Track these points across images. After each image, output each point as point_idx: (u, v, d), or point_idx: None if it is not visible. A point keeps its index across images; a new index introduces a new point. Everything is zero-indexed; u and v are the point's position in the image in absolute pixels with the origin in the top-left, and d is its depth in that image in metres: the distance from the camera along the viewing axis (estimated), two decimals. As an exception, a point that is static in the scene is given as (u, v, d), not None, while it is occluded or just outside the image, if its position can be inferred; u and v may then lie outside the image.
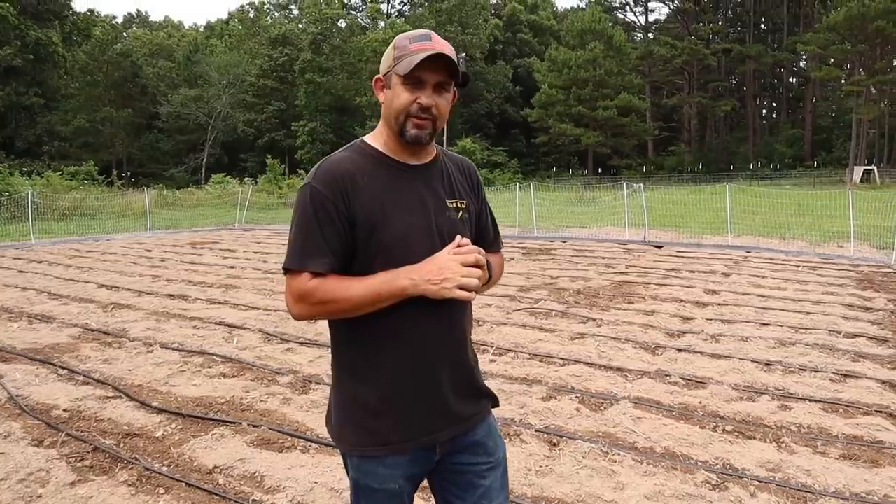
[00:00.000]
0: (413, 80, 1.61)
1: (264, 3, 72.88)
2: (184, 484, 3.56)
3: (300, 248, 1.61)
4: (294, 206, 1.68)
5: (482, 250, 1.64)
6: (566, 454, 3.90)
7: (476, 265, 1.58)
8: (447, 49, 1.63)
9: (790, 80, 70.31)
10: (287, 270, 1.63)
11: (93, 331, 7.14)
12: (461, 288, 1.55)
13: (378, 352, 1.66)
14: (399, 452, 1.68)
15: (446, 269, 1.56)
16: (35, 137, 52.47)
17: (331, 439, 1.81)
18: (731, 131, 67.74)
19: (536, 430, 4.24)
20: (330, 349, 1.78)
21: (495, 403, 1.89)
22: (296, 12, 67.81)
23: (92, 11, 66.08)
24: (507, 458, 1.91)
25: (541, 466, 3.75)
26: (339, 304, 1.59)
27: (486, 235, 1.88)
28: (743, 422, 4.45)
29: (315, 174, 1.65)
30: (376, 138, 1.74)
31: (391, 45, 1.70)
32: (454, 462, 1.77)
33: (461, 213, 1.75)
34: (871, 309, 8.01)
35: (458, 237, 1.63)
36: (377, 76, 1.73)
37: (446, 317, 1.67)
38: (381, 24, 61.94)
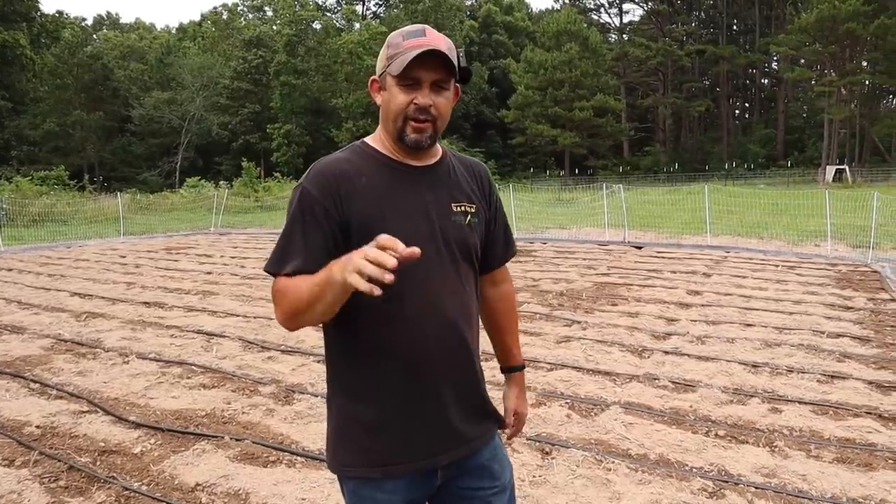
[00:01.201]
0: (408, 79, 1.50)
1: (238, 5, 72.08)
2: None
3: (280, 251, 1.51)
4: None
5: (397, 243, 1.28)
6: (559, 463, 3.81)
7: (381, 248, 1.23)
8: (443, 44, 1.50)
9: (763, 80, 71.34)
10: (270, 274, 1.52)
11: (66, 341, 6.92)
12: (358, 272, 1.22)
13: (374, 365, 1.55)
14: (396, 476, 1.57)
15: (353, 256, 1.25)
16: (3, 142, 51.25)
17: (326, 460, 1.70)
18: (705, 131, 68.47)
19: (528, 439, 4.15)
20: (319, 360, 1.66)
21: (501, 425, 1.80)
22: (270, 14, 67.15)
23: (61, 13, 64.77)
24: None
25: (534, 476, 3.66)
26: (298, 303, 1.41)
27: (493, 246, 1.77)
28: (735, 426, 4.41)
29: (308, 175, 1.55)
30: (376, 140, 1.64)
31: (385, 43, 1.57)
32: (458, 487, 1.67)
33: (469, 217, 1.63)
34: (851, 308, 8.05)
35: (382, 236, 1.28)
36: (373, 77, 1.62)
37: (450, 327, 1.56)
38: (357, 25, 61.58)
